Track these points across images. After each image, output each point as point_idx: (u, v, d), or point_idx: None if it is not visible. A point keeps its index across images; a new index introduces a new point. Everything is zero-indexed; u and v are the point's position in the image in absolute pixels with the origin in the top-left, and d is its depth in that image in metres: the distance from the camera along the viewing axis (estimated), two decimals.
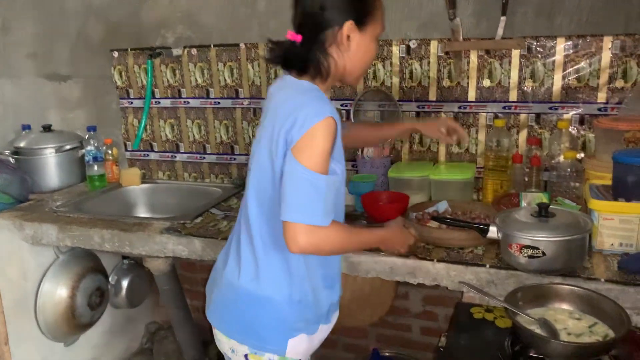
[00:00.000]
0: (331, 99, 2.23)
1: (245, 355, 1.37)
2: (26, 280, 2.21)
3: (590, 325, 1.24)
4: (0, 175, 2.23)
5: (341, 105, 2.22)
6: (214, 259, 1.52)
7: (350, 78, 1.33)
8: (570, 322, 1.26)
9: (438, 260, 1.57)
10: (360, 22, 1.26)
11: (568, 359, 1.16)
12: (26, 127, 2.58)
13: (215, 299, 1.43)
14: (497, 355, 1.23)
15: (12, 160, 2.41)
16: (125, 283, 2.55)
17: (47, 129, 2.51)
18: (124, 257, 2.59)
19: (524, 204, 1.78)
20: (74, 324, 2.31)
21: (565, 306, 1.30)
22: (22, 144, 2.44)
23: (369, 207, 1.89)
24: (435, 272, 1.57)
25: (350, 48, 1.26)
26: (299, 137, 1.18)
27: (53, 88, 2.74)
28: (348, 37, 1.25)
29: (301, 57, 1.26)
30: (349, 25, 1.24)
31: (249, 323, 1.35)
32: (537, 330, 1.20)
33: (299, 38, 1.26)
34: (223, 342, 1.41)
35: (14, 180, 2.28)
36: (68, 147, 2.47)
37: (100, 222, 2.02)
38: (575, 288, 1.31)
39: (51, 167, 2.44)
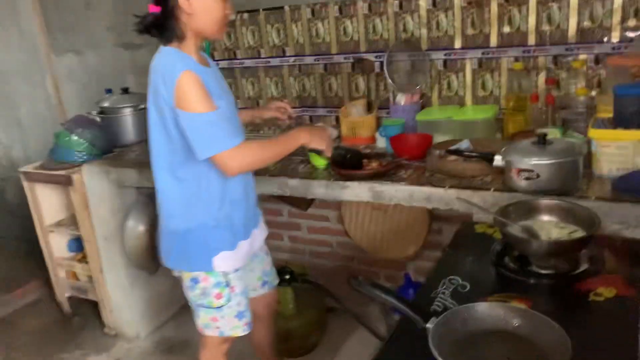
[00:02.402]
0: (366, 52, 2.46)
1: (187, 278, 1.72)
2: (114, 217, 2.64)
3: (571, 232, 1.44)
4: (90, 131, 2.65)
5: (375, 57, 2.44)
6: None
7: (208, 35, 1.55)
8: (554, 230, 1.46)
9: (450, 187, 1.80)
10: None
11: (545, 255, 1.37)
12: (109, 91, 3.00)
13: (158, 243, 1.79)
14: (488, 256, 1.46)
15: (98, 119, 2.83)
16: None
17: (125, 91, 2.91)
18: None
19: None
20: (153, 255, 2.72)
21: (551, 218, 1.50)
22: (105, 105, 2.85)
23: (396, 146, 2.13)
24: (448, 198, 1.80)
25: (194, 10, 1.48)
26: (172, 94, 1.45)
27: (129, 56, 3.14)
28: (188, 1, 1.47)
29: (160, 26, 1.51)
30: None
31: (179, 253, 1.70)
32: (520, 234, 1.42)
33: (158, 9, 1.49)
34: (174, 272, 1.79)
35: (101, 135, 2.69)
36: (143, 106, 2.85)
37: None
38: (560, 202, 1.50)
39: (129, 124, 2.84)
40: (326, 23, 2.52)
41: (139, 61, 3.14)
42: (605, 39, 2.02)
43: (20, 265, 3.54)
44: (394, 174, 1.97)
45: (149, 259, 2.74)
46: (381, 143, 2.32)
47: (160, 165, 1.64)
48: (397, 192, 1.89)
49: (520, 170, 1.65)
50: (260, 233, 1.88)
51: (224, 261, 1.69)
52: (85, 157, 2.62)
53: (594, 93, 2.02)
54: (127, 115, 2.82)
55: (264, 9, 2.64)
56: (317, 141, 1.72)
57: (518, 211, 1.52)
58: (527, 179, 1.64)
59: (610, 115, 1.83)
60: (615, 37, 1.99)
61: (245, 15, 2.69)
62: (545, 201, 1.52)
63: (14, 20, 3.38)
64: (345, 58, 2.53)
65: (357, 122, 2.40)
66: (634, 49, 1.91)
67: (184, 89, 1.44)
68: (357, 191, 1.95)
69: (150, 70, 1.55)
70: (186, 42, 1.54)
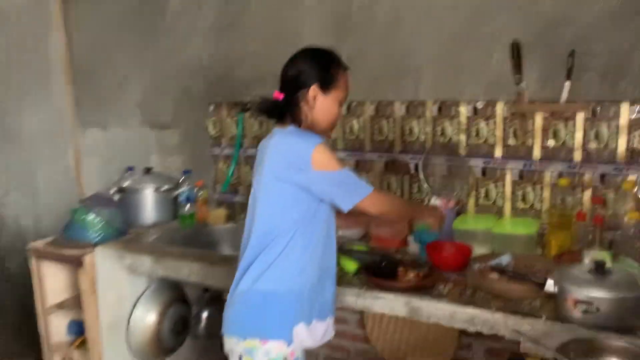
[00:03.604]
0: (401, 152, 2.41)
1: (250, 351, 1.61)
2: (121, 305, 2.48)
3: None
4: (108, 211, 2.55)
5: (410, 158, 2.38)
6: None
7: (317, 129, 1.68)
8: None
9: (497, 310, 1.66)
10: (325, 88, 1.64)
11: None
12: (130, 169, 2.93)
13: (225, 312, 1.70)
14: None
15: (116, 197, 2.74)
16: (205, 314, 2.77)
17: (148, 171, 2.84)
18: (206, 289, 2.83)
19: (586, 261, 1.84)
20: (159, 348, 2.55)
21: None
22: (125, 184, 2.77)
23: (433, 256, 2.00)
24: (494, 321, 1.65)
25: (316, 106, 1.64)
26: (309, 163, 1.56)
27: (155, 135, 3.11)
28: (314, 97, 1.63)
29: (282, 110, 1.67)
30: (314, 88, 1.63)
31: (256, 318, 1.61)
32: None
33: (281, 96, 1.66)
34: (234, 350, 1.65)
35: (119, 215, 2.59)
36: (165, 188, 2.78)
37: (190, 256, 2.27)
38: (627, 344, 1.36)
39: (149, 205, 2.75)
40: (361, 120, 2.48)
41: (164, 141, 3.10)
42: None
43: (13, 340, 3.33)
44: (432, 288, 1.84)
45: (154, 352, 2.55)
46: (414, 248, 2.20)
47: (264, 226, 1.66)
48: (437, 310, 1.74)
49: (578, 302, 1.51)
50: (331, 326, 1.77)
51: (301, 334, 1.63)
52: (100, 238, 2.50)
53: None
54: (148, 196, 2.74)
55: None
56: (432, 220, 1.84)
57: (579, 349, 1.38)
58: (586, 311, 1.50)
59: None
60: None
61: None
62: (611, 341, 1.38)
63: (45, 87, 3.39)
64: (379, 156, 2.47)
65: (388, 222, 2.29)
66: None
67: (322, 155, 1.58)
68: (391, 304, 1.81)
69: (273, 148, 1.64)
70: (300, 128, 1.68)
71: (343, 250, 2.02)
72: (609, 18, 1.97)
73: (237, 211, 2.90)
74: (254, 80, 2.74)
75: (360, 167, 2.52)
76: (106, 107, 3.24)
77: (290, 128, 1.66)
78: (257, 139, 2.76)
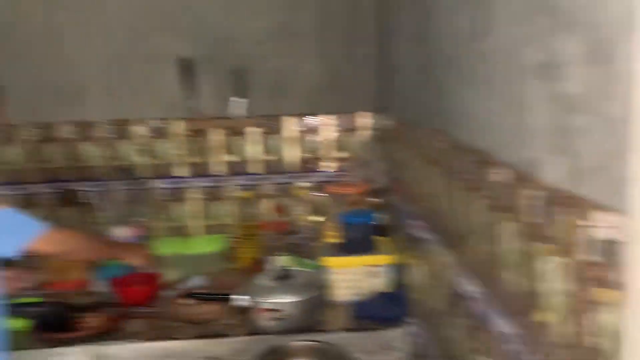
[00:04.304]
0: (73, 180, 2.14)
1: None
2: None
3: None
4: None
5: (85, 187, 2.13)
6: None
7: None
8: None
9: (189, 338, 1.57)
10: None
11: None
12: None
13: None
14: None
15: None
16: None
17: None
18: None
19: (268, 268, 1.90)
20: None
21: None
22: None
23: (120, 292, 1.80)
24: (188, 350, 1.56)
25: None
26: None
27: None
28: None
29: None
30: None
31: None
32: None
33: None
34: None
35: None
36: None
37: None
38: (309, 343, 1.43)
39: None
40: (21, 147, 2.11)
41: None
42: (323, 169, 2.16)
43: None
44: (121, 329, 1.64)
45: None
46: (99, 287, 1.95)
47: None
48: (128, 352, 1.55)
49: (266, 310, 1.53)
50: None
51: None
52: None
53: (319, 218, 2.10)
54: None
55: None
56: (135, 259, 1.67)
57: (275, 358, 1.40)
58: (275, 319, 1.53)
59: (337, 240, 1.90)
60: (331, 168, 2.15)
61: None
62: (296, 344, 1.43)
63: None
64: (46, 188, 2.14)
65: (64, 261, 1.98)
66: (348, 178, 2.08)
67: None
68: (76, 358, 1.55)
69: None
70: None
71: (9, 306, 1.65)
72: (271, 39, 2.10)
73: None
74: None
75: (24, 203, 2.14)
76: None
77: None
78: None
